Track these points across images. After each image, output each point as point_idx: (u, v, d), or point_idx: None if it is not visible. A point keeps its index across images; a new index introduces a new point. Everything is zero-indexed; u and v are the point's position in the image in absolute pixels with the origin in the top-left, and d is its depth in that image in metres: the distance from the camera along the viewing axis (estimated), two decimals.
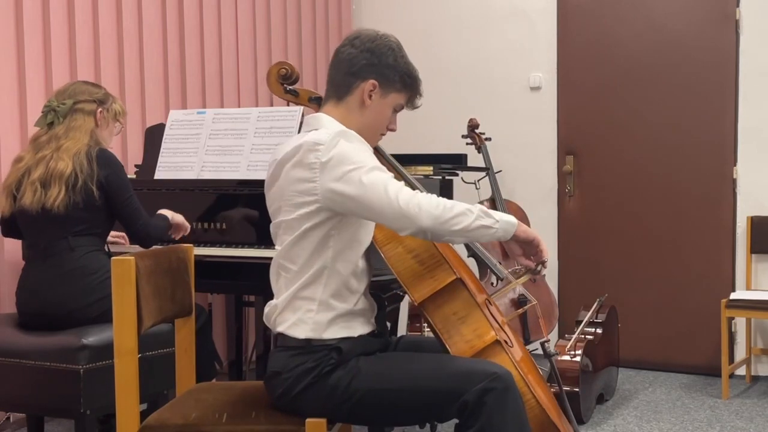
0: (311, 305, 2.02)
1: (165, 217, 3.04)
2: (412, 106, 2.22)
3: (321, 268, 2.01)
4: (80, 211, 2.80)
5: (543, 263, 2.10)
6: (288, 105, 3.15)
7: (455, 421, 1.97)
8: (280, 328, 2.05)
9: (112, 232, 3.07)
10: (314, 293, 2.02)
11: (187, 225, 3.14)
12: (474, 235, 1.99)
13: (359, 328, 2.07)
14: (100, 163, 2.81)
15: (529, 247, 2.09)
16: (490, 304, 2.21)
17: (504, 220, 2.02)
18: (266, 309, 2.11)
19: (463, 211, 1.97)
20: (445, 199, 1.97)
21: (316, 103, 2.43)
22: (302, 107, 2.95)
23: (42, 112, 2.92)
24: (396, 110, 2.18)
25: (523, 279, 2.17)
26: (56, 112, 2.88)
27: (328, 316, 2.02)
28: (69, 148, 2.81)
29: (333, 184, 1.95)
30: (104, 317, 2.66)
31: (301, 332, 2.01)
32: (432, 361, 2.01)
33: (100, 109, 2.94)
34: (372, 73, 2.11)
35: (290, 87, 2.45)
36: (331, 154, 1.95)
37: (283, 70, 2.44)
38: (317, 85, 5.05)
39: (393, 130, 2.22)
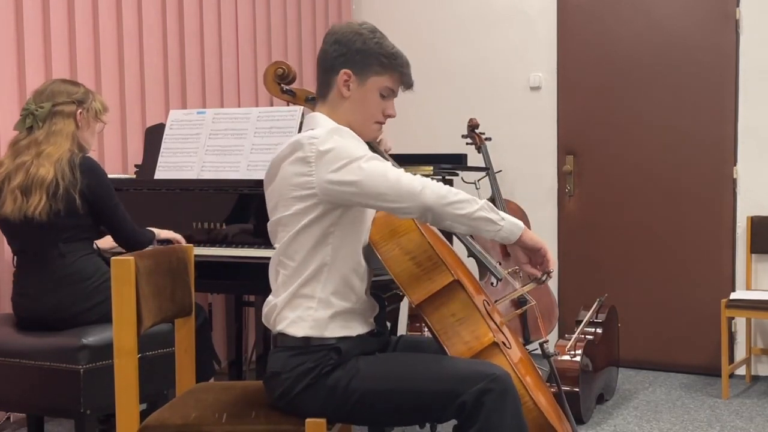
0: (311, 303, 2.01)
1: (152, 232, 2.99)
2: (406, 85, 2.15)
3: (321, 265, 2.00)
4: (62, 219, 2.72)
5: (548, 273, 2.06)
6: (288, 105, 3.15)
7: (455, 421, 1.96)
8: (279, 327, 2.04)
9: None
10: (314, 291, 2.01)
11: (179, 237, 3.11)
12: (477, 225, 1.96)
13: (358, 328, 2.06)
14: (83, 171, 2.73)
15: (536, 256, 2.05)
16: (489, 305, 2.19)
17: (510, 221, 1.99)
18: (264, 309, 2.09)
19: (468, 198, 1.96)
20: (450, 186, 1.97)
21: (312, 103, 2.38)
22: (302, 107, 2.93)
23: (21, 114, 2.83)
24: (385, 94, 2.11)
25: (528, 287, 2.11)
26: (35, 116, 2.78)
27: (328, 314, 2.00)
28: (51, 154, 2.72)
29: (330, 176, 1.93)
30: (103, 320, 2.66)
31: (299, 330, 2.00)
32: (430, 362, 2.00)
33: (79, 110, 2.84)
34: (343, 63, 2.08)
35: (287, 87, 2.40)
36: (326, 147, 1.94)
37: (280, 69, 2.39)
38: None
39: (391, 115, 2.15)
